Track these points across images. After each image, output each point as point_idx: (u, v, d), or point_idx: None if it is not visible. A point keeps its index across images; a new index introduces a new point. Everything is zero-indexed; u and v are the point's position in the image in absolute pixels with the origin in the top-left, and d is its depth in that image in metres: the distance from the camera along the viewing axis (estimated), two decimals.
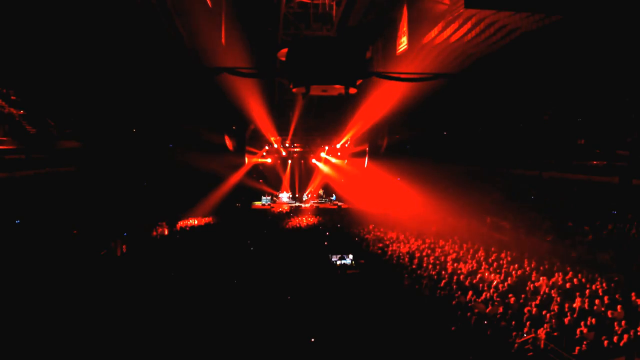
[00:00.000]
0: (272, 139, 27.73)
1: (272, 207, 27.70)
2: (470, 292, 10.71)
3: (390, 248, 16.12)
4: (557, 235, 15.37)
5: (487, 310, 9.83)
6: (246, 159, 27.96)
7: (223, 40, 13.68)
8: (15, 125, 16.41)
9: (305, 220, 24.25)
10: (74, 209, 15.43)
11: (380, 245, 16.88)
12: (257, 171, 30.75)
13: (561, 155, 21.05)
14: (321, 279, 12.53)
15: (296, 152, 30.35)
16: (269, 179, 30.35)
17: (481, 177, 24.07)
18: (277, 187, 30.33)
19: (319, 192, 30.75)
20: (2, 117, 15.77)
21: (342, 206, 28.19)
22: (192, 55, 15.69)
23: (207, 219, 23.70)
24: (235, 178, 26.96)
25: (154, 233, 18.23)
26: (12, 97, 16.84)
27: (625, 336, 7.78)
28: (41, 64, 12.90)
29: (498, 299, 10.26)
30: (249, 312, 9.45)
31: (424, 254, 14.92)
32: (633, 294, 9.55)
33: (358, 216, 24.16)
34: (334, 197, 30.06)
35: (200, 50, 15.40)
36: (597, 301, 9.41)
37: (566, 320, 8.79)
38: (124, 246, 15.70)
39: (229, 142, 25.87)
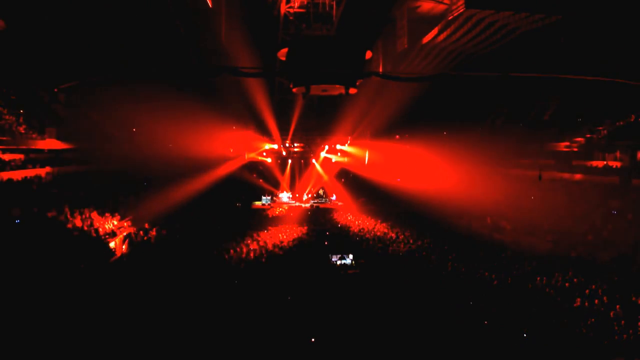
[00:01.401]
0: (268, 145, 27.97)
1: (270, 207, 27.45)
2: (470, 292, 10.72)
3: (391, 248, 16.11)
4: (557, 235, 15.36)
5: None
6: (245, 155, 27.98)
7: (223, 40, 13.72)
8: (15, 125, 16.42)
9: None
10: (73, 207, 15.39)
11: (380, 245, 16.86)
12: (257, 170, 30.72)
13: (561, 156, 21.10)
14: (321, 278, 12.52)
15: (296, 151, 30.35)
16: (269, 178, 30.30)
17: (481, 177, 24.07)
18: (277, 187, 30.29)
19: (319, 191, 30.74)
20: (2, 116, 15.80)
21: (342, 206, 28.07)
22: (193, 55, 15.74)
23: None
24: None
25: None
26: (12, 97, 16.89)
27: (625, 336, 7.79)
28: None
29: (498, 299, 10.27)
30: (250, 312, 9.45)
31: (424, 253, 14.93)
32: (633, 294, 9.56)
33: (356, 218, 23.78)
34: (334, 197, 30.05)
35: (201, 50, 15.44)
36: (596, 301, 9.42)
37: (566, 320, 8.81)
38: (124, 246, 15.68)
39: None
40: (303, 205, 28.05)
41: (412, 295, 10.75)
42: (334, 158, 30.17)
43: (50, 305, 8.72)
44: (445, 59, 18.15)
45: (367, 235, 18.66)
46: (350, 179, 29.91)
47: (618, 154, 18.55)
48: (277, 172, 30.33)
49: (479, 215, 20.03)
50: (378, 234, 18.99)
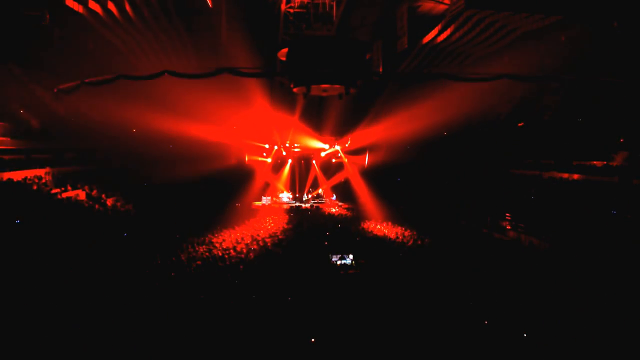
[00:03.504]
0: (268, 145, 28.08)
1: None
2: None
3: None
4: (557, 235, 15.37)
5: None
6: (246, 157, 28.00)
7: (224, 40, 13.72)
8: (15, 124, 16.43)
9: None
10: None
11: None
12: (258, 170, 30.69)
13: (561, 155, 21.09)
14: (322, 278, 12.51)
15: (296, 152, 30.31)
16: (269, 179, 30.27)
17: (482, 177, 24.10)
18: (277, 187, 30.27)
19: (319, 191, 30.74)
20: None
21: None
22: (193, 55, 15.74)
23: None
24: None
25: None
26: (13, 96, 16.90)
27: None
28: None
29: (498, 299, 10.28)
30: (250, 312, 9.46)
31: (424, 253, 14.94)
32: None
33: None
34: (334, 197, 30.05)
35: (202, 50, 15.46)
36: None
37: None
38: None
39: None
40: (303, 205, 28.07)
41: (412, 294, 10.75)
42: (334, 158, 30.18)
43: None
44: (445, 59, 18.16)
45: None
46: (350, 178, 29.91)
47: (618, 154, 18.55)
48: (277, 173, 30.33)
49: (479, 214, 20.06)
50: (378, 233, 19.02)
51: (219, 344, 7.81)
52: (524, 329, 8.62)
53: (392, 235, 17.15)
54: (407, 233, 17.15)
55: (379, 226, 19.27)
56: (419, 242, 15.68)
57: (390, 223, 19.35)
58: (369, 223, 20.12)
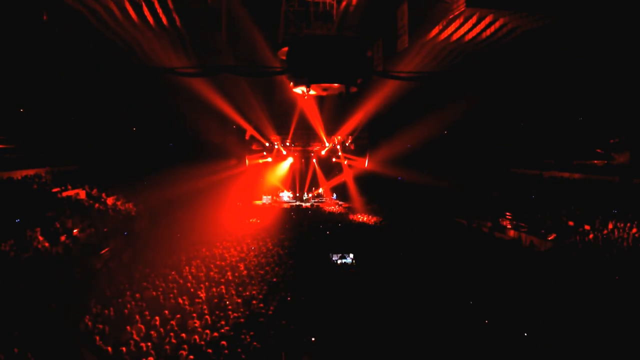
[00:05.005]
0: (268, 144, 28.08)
1: None
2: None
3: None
4: (558, 235, 15.36)
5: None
6: (247, 161, 27.94)
7: (224, 39, 13.65)
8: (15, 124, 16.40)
9: None
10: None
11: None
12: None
13: (561, 155, 21.09)
14: (322, 277, 12.51)
15: (297, 151, 30.28)
16: (270, 178, 30.28)
17: (481, 177, 24.10)
18: (278, 186, 30.29)
19: (319, 190, 30.75)
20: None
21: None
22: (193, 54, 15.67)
23: None
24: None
25: None
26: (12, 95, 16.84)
27: None
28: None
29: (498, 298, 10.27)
30: (250, 312, 9.45)
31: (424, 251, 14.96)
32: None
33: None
34: (334, 196, 30.05)
35: (201, 49, 15.39)
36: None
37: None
38: None
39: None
40: (304, 204, 28.06)
41: (411, 293, 10.75)
42: (334, 157, 30.17)
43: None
44: (446, 59, 18.09)
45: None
46: (351, 178, 29.92)
47: (618, 153, 18.54)
48: (277, 172, 30.33)
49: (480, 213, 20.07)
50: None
51: (219, 343, 7.80)
52: (524, 329, 8.62)
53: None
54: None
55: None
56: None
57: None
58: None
